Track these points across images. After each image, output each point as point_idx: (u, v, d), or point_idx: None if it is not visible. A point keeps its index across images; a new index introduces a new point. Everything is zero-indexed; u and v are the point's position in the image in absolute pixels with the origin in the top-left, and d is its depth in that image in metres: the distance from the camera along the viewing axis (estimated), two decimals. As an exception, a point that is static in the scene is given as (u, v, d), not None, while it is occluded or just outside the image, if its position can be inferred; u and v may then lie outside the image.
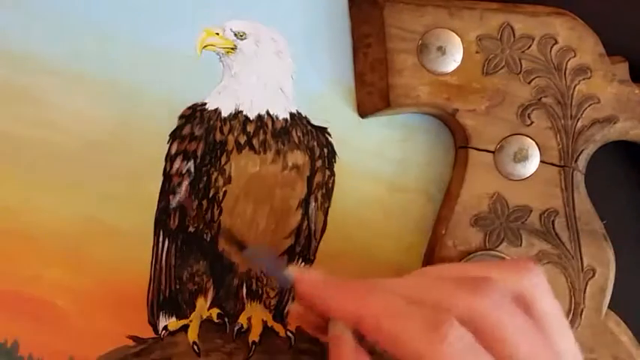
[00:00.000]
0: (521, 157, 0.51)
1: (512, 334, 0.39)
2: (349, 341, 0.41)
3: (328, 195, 0.53)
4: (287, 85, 0.52)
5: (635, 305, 0.54)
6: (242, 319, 0.52)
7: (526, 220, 0.51)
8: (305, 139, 0.52)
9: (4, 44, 0.50)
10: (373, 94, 0.51)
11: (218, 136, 0.51)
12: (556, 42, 0.51)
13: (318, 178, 0.52)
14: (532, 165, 0.51)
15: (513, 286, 0.41)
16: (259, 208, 0.51)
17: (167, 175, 0.51)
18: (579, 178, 0.51)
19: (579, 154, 0.51)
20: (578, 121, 0.51)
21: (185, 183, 0.51)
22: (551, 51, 0.51)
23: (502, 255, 0.51)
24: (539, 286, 0.42)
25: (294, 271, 0.43)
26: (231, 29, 0.51)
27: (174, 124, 0.51)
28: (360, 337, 0.41)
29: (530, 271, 0.42)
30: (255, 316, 0.52)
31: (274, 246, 0.52)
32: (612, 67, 0.51)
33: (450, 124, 0.52)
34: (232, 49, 0.51)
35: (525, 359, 0.39)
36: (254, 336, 0.52)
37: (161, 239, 0.51)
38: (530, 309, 0.41)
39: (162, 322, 0.51)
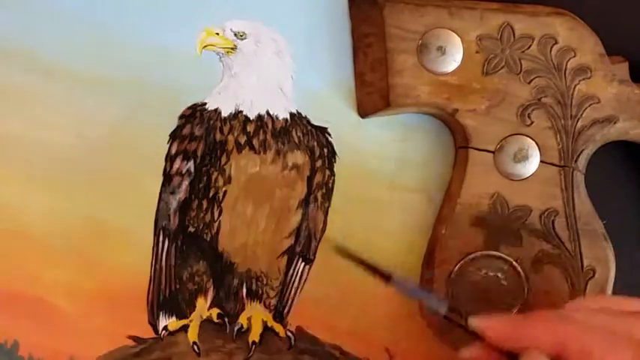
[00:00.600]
0: (521, 157, 0.51)
1: None
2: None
3: (328, 195, 0.53)
4: (287, 85, 0.52)
5: (635, 305, 0.54)
6: (242, 319, 0.52)
7: (526, 220, 0.51)
8: (305, 139, 0.52)
9: (4, 44, 0.50)
10: (373, 94, 0.51)
11: (218, 136, 0.51)
12: (556, 42, 0.51)
13: (318, 178, 0.52)
14: (532, 165, 0.51)
15: None
16: (259, 208, 0.51)
17: (167, 175, 0.51)
18: (579, 178, 0.51)
19: (579, 154, 0.51)
20: (578, 121, 0.51)
21: (185, 183, 0.51)
22: (551, 51, 0.51)
23: (502, 255, 0.51)
24: None
25: (477, 322, 0.44)
26: (231, 29, 0.51)
27: (174, 124, 0.51)
28: None
29: None
30: (255, 316, 0.52)
31: (274, 246, 0.52)
32: (612, 67, 0.51)
33: (450, 124, 0.52)
34: (232, 49, 0.51)
35: None
36: (254, 336, 0.52)
37: (161, 239, 0.51)
38: None
39: (163, 322, 0.51)
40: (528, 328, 0.43)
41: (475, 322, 0.44)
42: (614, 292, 0.52)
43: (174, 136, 0.51)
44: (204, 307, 0.52)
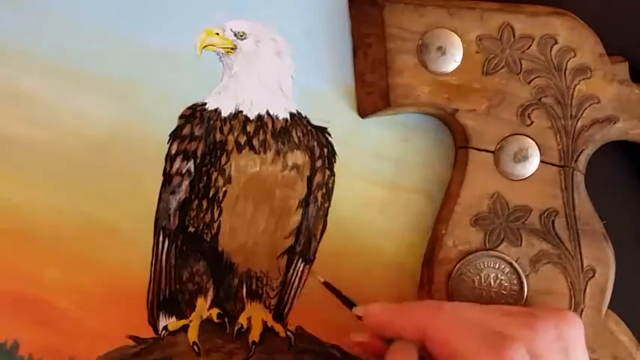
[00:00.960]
0: (521, 157, 0.51)
1: None
2: (411, 351, 0.44)
3: (328, 195, 0.53)
4: (287, 85, 0.52)
5: (635, 305, 0.54)
6: (242, 319, 0.52)
7: (526, 220, 0.51)
8: (305, 139, 0.52)
9: (4, 44, 0.50)
10: (373, 94, 0.51)
11: (218, 136, 0.51)
12: (556, 42, 0.51)
13: (318, 178, 0.52)
14: (532, 165, 0.51)
15: (555, 330, 0.44)
16: (259, 208, 0.51)
17: (167, 175, 0.51)
18: (579, 178, 0.51)
19: (579, 154, 0.51)
20: (578, 121, 0.51)
21: (185, 183, 0.51)
22: (551, 51, 0.51)
23: (502, 255, 0.51)
24: (578, 337, 0.45)
25: (359, 310, 0.47)
26: (231, 29, 0.51)
27: (174, 124, 0.51)
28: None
29: (572, 320, 0.45)
30: (255, 316, 0.52)
31: (274, 246, 0.52)
32: (612, 67, 0.51)
33: (449, 124, 0.52)
34: (232, 49, 0.51)
35: None
36: (254, 336, 0.52)
37: (161, 239, 0.51)
38: (566, 355, 0.44)
39: (163, 322, 0.51)
40: (398, 317, 0.45)
41: (358, 311, 0.47)
42: (614, 292, 0.52)
43: (174, 136, 0.51)
44: (204, 307, 0.52)
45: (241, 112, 0.51)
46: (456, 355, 0.43)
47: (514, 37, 0.50)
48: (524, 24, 0.50)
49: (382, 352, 0.46)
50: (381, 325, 0.46)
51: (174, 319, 0.52)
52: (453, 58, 0.50)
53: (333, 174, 0.53)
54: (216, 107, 0.51)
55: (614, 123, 0.51)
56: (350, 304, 0.48)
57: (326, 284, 0.49)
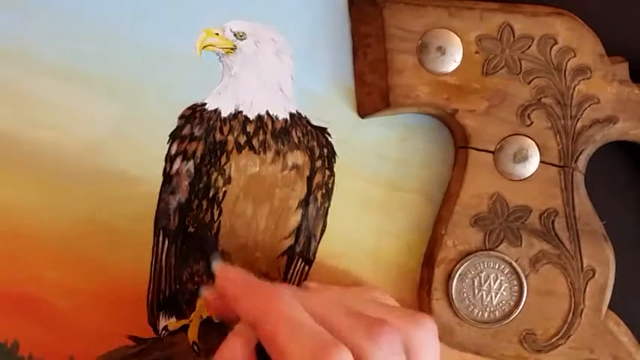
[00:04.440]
0: (521, 157, 0.51)
1: None
2: (248, 341, 0.42)
3: (328, 195, 0.53)
4: (287, 85, 0.52)
5: (635, 305, 0.54)
6: (242, 319, 0.52)
7: (526, 220, 0.51)
8: (305, 139, 0.52)
9: (3, 44, 0.50)
10: (373, 94, 0.51)
11: (218, 136, 0.51)
12: (556, 42, 0.51)
13: (318, 178, 0.52)
14: (532, 165, 0.51)
15: (405, 336, 0.42)
16: (259, 208, 0.51)
17: (167, 175, 0.51)
18: (579, 178, 0.51)
19: (579, 155, 0.51)
20: (578, 122, 0.51)
21: (185, 183, 0.51)
22: (551, 51, 0.51)
23: (502, 255, 0.51)
24: (429, 344, 0.43)
25: (218, 267, 0.45)
26: (230, 29, 0.51)
27: (174, 124, 0.51)
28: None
29: (424, 326, 0.43)
30: (255, 316, 0.52)
31: (274, 246, 0.52)
32: (612, 67, 0.51)
33: (449, 124, 0.52)
34: (232, 49, 0.51)
35: None
36: (254, 336, 0.52)
37: (161, 239, 0.51)
38: None
39: (163, 322, 0.51)
40: (241, 296, 0.43)
41: (215, 267, 0.45)
42: (614, 292, 0.52)
43: (174, 136, 0.51)
44: (204, 307, 0.52)
45: (241, 112, 0.51)
46: (278, 352, 0.40)
47: (514, 37, 0.50)
48: (524, 24, 0.50)
49: (230, 317, 0.44)
50: (224, 293, 0.44)
51: (174, 319, 0.52)
52: (452, 58, 0.50)
53: (333, 174, 0.53)
54: (216, 107, 0.51)
55: (614, 123, 0.51)
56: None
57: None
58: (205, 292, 0.46)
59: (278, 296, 0.42)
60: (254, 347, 0.42)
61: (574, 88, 0.51)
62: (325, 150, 0.52)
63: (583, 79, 0.51)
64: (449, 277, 0.51)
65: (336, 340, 0.40)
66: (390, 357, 0.41)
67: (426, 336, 0.43)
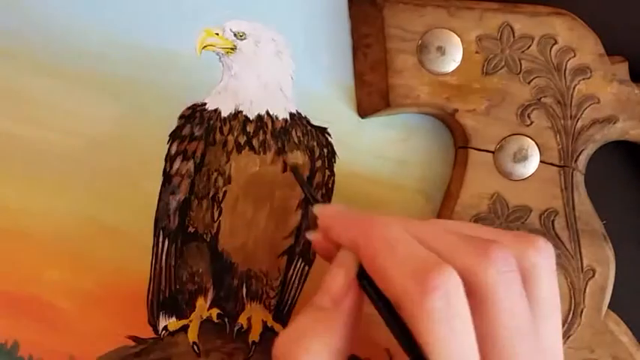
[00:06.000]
0: (521, 157, 0.51)
1: (503, 310, 0.37)
2: (350, 268, 0.40)
3: (328, 195, 0.53)
4: (287, 85, 0.52)
5: (635, 305, 0.54)
6: (242, 319, 0.52)
7: (526, 220, 0.51)
8: (305, 139, 0.52)
9: (3, 44, 0.50)
10: (373, 94, 0.51)
11: (218, 136, 0.51)
12: (556, 42, 0.51)
13: (318, 178, 0.52)
14: (532, 165, 0.51)
15: (521, 259, 0.39)
16: (259, 208, 0.51)
17: (167, 175, 0.51)
18: (579, 178, 0.51)
19: (579, 154, 0.51)
20: (578, 121, 0.51)
21: (185, 183, 0.51)
22: (550, 51, 0.51)
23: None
24: (547, 267, 0.40)
25: (317, 209, 0.44)
26: (230, 29, 0.51)
27: (174, 124, 0.51)
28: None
29: (542, 249, 0.40)
30: (255, 316, 0.52)
31: (274, 246, 0.52)
32: (612, 67, 0.51)
33: (449, 124, 0.52)
34: (232, 49, 0.51)
35: (506, 339, 0.37)
36: (254, 336, 0.52)
37: (161, 239, 0.51)
38: (530, 288, 0.39)
39: (163, 322, 0.51)
40: (339, 224, 0.42)
41: (315, 209, 0.44)
42: (614, 292, 0.52)
43: (174, 136, 0.51)
44: (204, 307, 0.52)
45: (241, 112, 0.51)
46: (378, 276, 0.38)
47: (514, 37, 0.50)
48: (523, 24, 0.50)
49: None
50: (326, 229, 0.43)
51: (174, 319, 0.52)
52: (452, 58, 0.50)
53: (333, 174, 0.53)
54: (216, 107, 0.51)
55: (614, 123, 0.51)
56: (314, 199, 0.46)
57: (293, 170, 0.48)
58: (311, 236, 0.44)
59: (378, 219, 0.40)
60: (355, 273, 0.40)
61: (574, 87, 0.51)
62: (325, 150, 0.52)
63: (583, 79, 0.51)
64: (449, 277, 0.51)
65: (439, 260, 0.37)
66: (503, 274, 0.37)
67: (542, 257, 0.40)
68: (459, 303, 0.36)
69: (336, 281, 0.40)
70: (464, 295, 0.37)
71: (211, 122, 0.51)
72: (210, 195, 0.51)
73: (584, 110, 0.51)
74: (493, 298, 0.37)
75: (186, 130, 0.51)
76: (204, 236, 0.51)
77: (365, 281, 0.40)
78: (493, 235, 0.40)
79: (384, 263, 0.38)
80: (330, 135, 0.53)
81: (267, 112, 0.52)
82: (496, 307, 0.37)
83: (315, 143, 0.52)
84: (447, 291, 0.36)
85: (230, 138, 0.51)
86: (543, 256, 0.40)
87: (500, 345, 0.37)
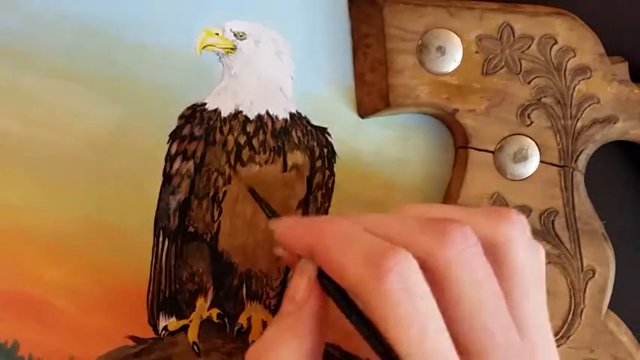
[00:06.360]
0: (521, 157, 0.51)
1: (464, 285, 0.35)
2: (309, 273, 0.39)
3: (328, 195, 0.53)
4: (287, 85, 0.52)
5: (635, 305, 0.54)
6: (242, 319, 0.52)
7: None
8: (305, 139, 0.52)
9: (4, 44, 0.50)
10: (373, 94, 0.51)
11: (218, 137, 0.51)
12: (556, 42, 0.51)
13: (318, 178, 0.52)
14: (532, 165, 0.51)
15: (487, 235, 0.37)
16: (259, 208, 0.51)
17: (167, 175, 0.51)
18: (579, 178, 0.51)
19: (579, 154, 0.51)
20: (578, 121, 0.51)
21: (185, 183, 0.51)
22: (550, 51, 0.51)
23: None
24: (521, 240, 0.38)
25: (271, 224, 0.43)
26: (230, 29, 0.51)
27: (174, 124, 0.51)
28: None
29: (510, 220, 0.38)
30: (255, 316, 0.52)
31: (274, 246, 0.52)
32: (612, 67, 0.51)
33: (449, 124, 0.52)
34: (232, 49, 0.51)
35: (473, 315, 0.35)
36: (254, 336, 0.52)
37: (161, 239, 0.51)
38: (501, 264, 0.37)
39: (163, 322, 0.51)
40: (293, 233, 0.40)
41: (271, 224, 0.42)
42: (614, 292, 0.52)
43: (174, 136, 0.51)
44: (204, 307, 0.52)
45: (241, 112, 0.51)
46: (333, 271, 0.37)
47: (514, 37, 0.50)
48: (523, 24, 0.50)
49: None
50: (282, 241, 0.41)
51: (174, 319, 0.52)
52: (452, 58, 0.50)
53: (333, 174, 0.53)
54: (216, 107, 0.51)
55: (614, 123, 0.51)
56: (271, 214, 0.46)
57: (250, 190, 0.48)
58: (278, 252, 0.43)
59: (327, 219, 0.40)
60: (315, 277, 0.39)
61: (574, 87, 0.51)
62: (325, 150, 0.52)
63: (583, 79, 0.51)
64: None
65: (391, 244, 0.35)
66: (462, 252, 0.35)
67: (515, 230, 0.38)
68: (417, 284, 0.35)
69: (298, 287, 0.40)
70: (421, 276, 0.35)
71: (211, 122, 0.51)
72: (210, 195, 0.51)
73: (584, 110, 0.51)
74: (453, 276, 0.35)
75: (186, 130, 0.51)
76: (204, 236, 0.51)
77: (324, 279, 0.39)
78: (463, 214, 0.38)
79: (337, 258, 0.37)
80: (330, 135, 0.53)
81: (267, 112, 0.52)
82: (457, 283, 0.35)
83: (315, 143, 0.52)
84: (401, 272, 0.34)
85: (230, 138, 0.51)
86: (517, 229, 0.38)
87: (468, 321, 0.35)
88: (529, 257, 0.38)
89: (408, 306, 0.34)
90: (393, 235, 0.36)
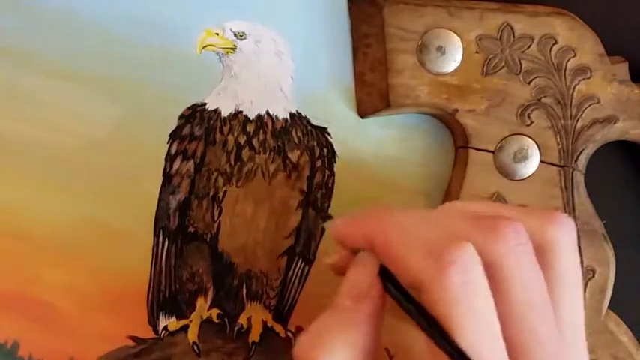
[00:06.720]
0: (521, 157, 0.51)
1: (513, 283, 0.36)
2: (370, 267, 0.39)
3: (328, 195, 0.53)
4: (287, 85, 0.52)
5: (635, 305, 0.54)
6: (242, 319, 0.52)
7: (526, 220, 0.51)
8: (305, 139, 0.52)
9: (4, 44, 0.50)
10: (373, 94, 0.51)
11: (218, 136, 0.51)
12: (556, 42, 0.51)
13: (318, 178, 0.52)
14: (532, 165, 0.51)
15: (537, 235, 0.38)
16: (259, 208, 0.51)
17: (167, 175, 0.51)
18: (579, 178, 0.51)
19: (579, 154, 0.51)
20: (578, 121, 0.51)
21: (185, 183, 0.51)
22: (550, 51, 0.51)
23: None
24: (567, 241, 0.38)
25: (328, 226, 0.43)
26: (230, 29, 0.51)
27: (174, 124, 0.51)
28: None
29: (559, 222, 0.39)
30: (255, 316, 0.52)
31: (274, 246, 0.52)
32: (612, 67, 0.51)
33: (449, 124, 0.52)
34: (232, 49, 0.51)
35: (520, 313, 0.36)
36: (254, 336, 0.52)
37: (161, 239, 0.51)
38: (548, 264, 0.38)
39: (163, 322, 0.51)
40: (350, 227, 0.40)
41: (327, 227, 0.43)
42: (614, 292, 0.52)
43: (174, 136, 0.51)
44: (204, 307, 0.52)
45: (241, 112, 0.51)
46: (394, 260, 0.37)
47: (514, 37, 0.50)
48: (523, 24, 0.50)
49: None
50: (338, 238, 0.41)
51: (174, 319, 0.52)
52: (452, 58, 0.50)
53: (333, 174, 0.53)
54: (216, 107, 0.51)
55: (614, 123, 0.51)
56: (326, 217, 0.46)
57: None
58: (327, 260, 0.43)
59: (387, 212, 0.39)
60: (376, 272, 0.39)
61: (574, 87, 0.51)
62: (325, 150, 0.52)
63: (583, 79, 0.51)
64: (449, 277, 0.51)
65: (454, 236, 0.35)
66: (514, 248, 0.36)
67: (563, 231, 0.38)
68: (478, 278, 0.35)
69: (357, 281, 0.39)
70: (482, 269, 0.35)
71: (211, 122, 0.51)
72: (210, 195, 0.51)
73: (584, 110, 0.51)
74: (504, 273, 0.36)
75: (186, 130, 0.51)
76: (204, 236, 0.51)
77: (388, 282, 0.38)
78: (512, 212, 0.39)
79: (398, 250, 0.37)
80: (330, 135, 0.53)
81: (267, 112, 0.52)
82: (507, 281, 0.36)
83: (315, 143, 0.52)
84: (464, 265, 0.34)
85: (230, 138, 0.51)
86: (564, 230, 0.39)
87: (514, 319, 0.36)
88: (574, 258, 0.39)
89: (469, 303, 0.34)
90: (452, 229, 0.37)
